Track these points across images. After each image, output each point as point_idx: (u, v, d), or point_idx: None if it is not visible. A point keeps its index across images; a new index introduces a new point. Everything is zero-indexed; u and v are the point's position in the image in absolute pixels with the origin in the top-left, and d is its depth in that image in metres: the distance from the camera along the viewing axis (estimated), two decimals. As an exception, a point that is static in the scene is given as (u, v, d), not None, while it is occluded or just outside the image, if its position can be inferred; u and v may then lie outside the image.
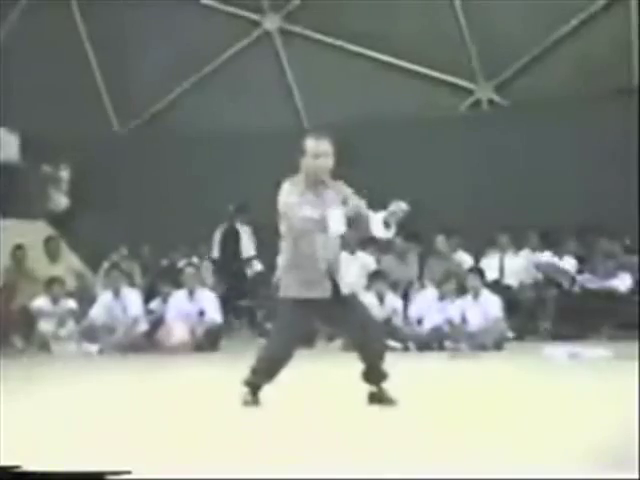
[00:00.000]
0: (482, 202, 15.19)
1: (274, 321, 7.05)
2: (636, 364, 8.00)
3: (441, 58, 16.40)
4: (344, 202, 6.50)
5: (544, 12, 15.78)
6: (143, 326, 13.21)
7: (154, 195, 16.95)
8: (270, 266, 15.46)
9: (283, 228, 6.67)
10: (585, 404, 6.71)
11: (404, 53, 16.59)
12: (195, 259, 15.14)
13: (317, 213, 6.36)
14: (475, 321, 12.19)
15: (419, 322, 12.60)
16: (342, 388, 7.13)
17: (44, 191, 17.17)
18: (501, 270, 14.14)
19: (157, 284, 14.34)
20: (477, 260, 14.05)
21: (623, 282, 13.18)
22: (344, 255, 7.10)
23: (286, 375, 6.70)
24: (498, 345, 12.00)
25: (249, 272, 15.50)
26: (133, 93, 18.09)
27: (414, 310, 12.83)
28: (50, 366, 11.65)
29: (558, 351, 10.61)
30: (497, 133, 15.73)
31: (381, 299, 12.65)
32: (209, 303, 13.16)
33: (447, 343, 12.15)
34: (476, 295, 12.38)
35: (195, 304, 13.10)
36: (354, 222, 6.45)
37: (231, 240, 15.58)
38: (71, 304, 13.65)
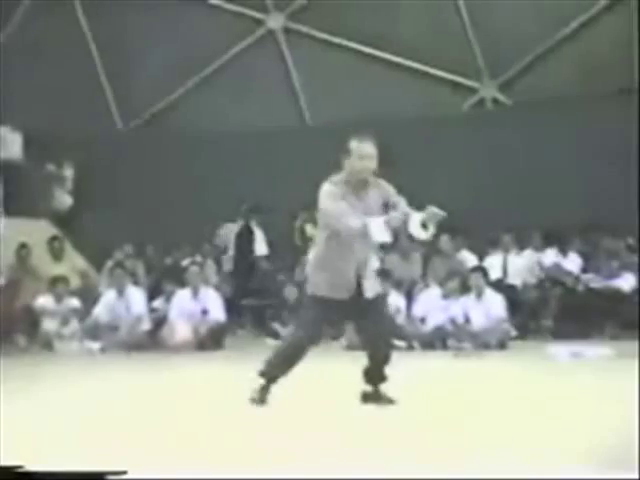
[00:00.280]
0: (486, 201, 15.17)
1: (297, 316, 7.09)
2: (638, 363, 7.98)
3: (445, 57, 16.39)
4: (386, 203, 6.56)
5: (547, 12, 15.78)
6: (146, 325, 13.22)
7: (158, 194, 16.95)
8: (278, 265, 15.56)
9: (321, 229, 6.67)
10: (588, 403, 6.71)
11: (408, 52, 16.58)
12: (199, 258, 15.15)
13: (360, 222, 6.36)
14: (478, 320, 12.18)
15: (422, 321, 12.59)
16: (346, 387, 7.13)
17: (48, 190, 17.17)
18: (504, 269, 14.13)
19: (161, 283, 14.35)
20: (481, 259, 14.04)
21: (627, 282, 13.16)
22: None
23: (289, 374, 6.70)
24: (501, 344, 12.00)
25: (260, 271, 15.55)
26: (137, 92, 18.09)
27: (417, 309, 12.82)
28: (53, 364, 11.66)
29: (561, 350, 10.60)
30: (501, 132, 15.71)
31: (385, 298, 12.64)
32: (213, 302, 13.16)
33: (450, 342, 12.15)
34: (479, 294, 12.37)
35: (199, 303, 13.09)
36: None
37: (245, 239, 15.63)
38: (75, 303, 13.66)
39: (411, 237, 6.71)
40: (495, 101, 16.55)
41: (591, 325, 12.86)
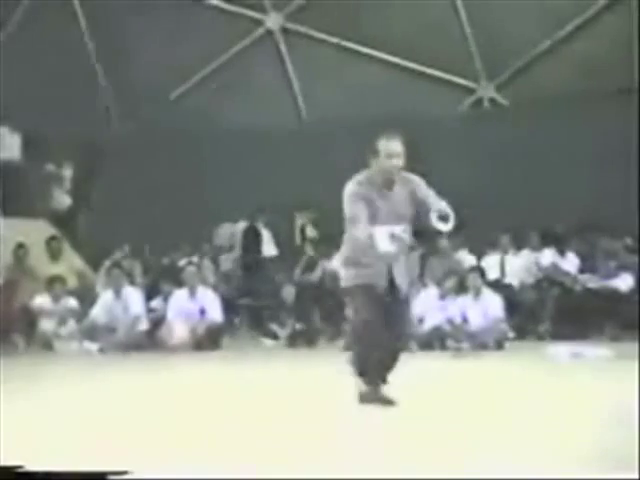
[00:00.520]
0: (483, 201, 15.16)
1: (351, 317, 6.98)
2: (638, 364, 7.99)
3: (443, 57, 16.41)
4: (414, 197, 6.54)
5: (546, 12, 15.80)
6: (144, 325, 13.21)
7: (155, 194, 16.95)
8: (276, 265, 15.55)
9: (348, 227, 6.62)
10: (586, 404, 6.71)
11: (406, 52, 16.60)
12: (196, 258, 15.15)
13: (366, 233, 6.32)
14: (476, 320, 12.18)
15: (420, 321, 12.59)
16: (345, 387, 7.13)
17: (46, 190, 17.15)
18: (502, 269, 14.14)
19: (158, 283, 14.34)
20: (478, 259, 14.05)
21: (625, 282, 13.17)
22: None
23: (287, 374, 6.71)
24: (499, 344, 12.00)
25: (263, 272, 15.54)
26: (136, 92, 18.09)
27: (415, 309, 12.80)
28: (51, 365, 11.65)
29: (559, 351, 10.59)
30: (498, 132, 15.73)
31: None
32: (210, 302, 13.16)
33: (448, 342, 12.14)
34: (477, 294, 12.37)
35: (196, 303, 13.09)
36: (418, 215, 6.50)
37: (251, 240, 15.63)
38: (72, 303, 13.65)
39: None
40: (493, 101, 16.57)
41: (589, 325, 12.86)
